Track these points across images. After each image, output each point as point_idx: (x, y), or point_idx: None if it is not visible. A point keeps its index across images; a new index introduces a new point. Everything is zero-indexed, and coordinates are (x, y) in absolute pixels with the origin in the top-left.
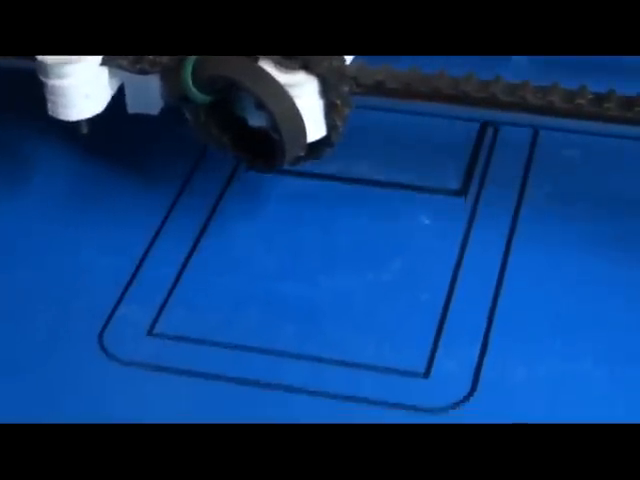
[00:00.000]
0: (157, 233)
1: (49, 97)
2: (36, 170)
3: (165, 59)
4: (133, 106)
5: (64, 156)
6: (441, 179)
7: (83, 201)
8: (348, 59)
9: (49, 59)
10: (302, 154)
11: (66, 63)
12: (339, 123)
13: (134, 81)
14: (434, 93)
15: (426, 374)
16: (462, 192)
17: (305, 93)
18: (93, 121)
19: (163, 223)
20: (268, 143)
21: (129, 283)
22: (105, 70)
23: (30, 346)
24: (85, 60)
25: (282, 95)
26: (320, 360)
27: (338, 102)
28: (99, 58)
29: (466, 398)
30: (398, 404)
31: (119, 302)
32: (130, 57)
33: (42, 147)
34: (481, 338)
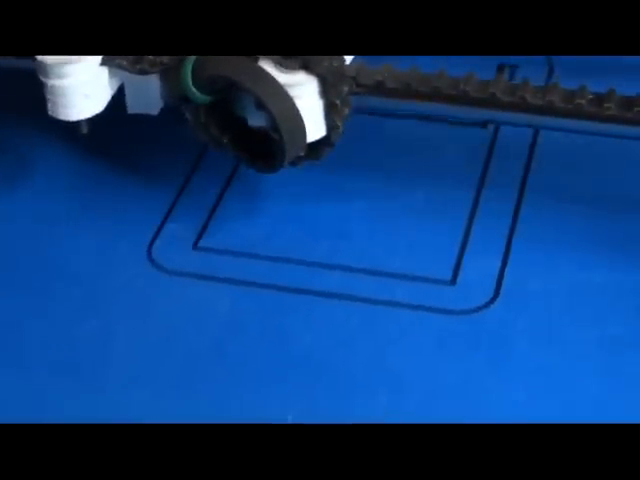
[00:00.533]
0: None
1: (49, 97)
2: (36, 169)
3: (165, 59)
4: (133, 106)
5: (64, 156)
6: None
7: (83, 200)
8: (348, 59)
9: (49, 59)
10: (302, 154)
11: (66, 63)
12: (339, 123)
13: (134, 81)
14: (434, 93)
15: (452, 281)
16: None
17: (305, 93)
18: (93, 121)
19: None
20: (268, 143)
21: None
22: (105, 70)
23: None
24: (85, 60)
25: (282, 95)
26: (352, 270)
27: (338, 102)
28: (99, 58)
29: (488, 304)
30: (425, 307)
31: None
32: (130, 57)
33: (42, 147)
34: (503, 250)
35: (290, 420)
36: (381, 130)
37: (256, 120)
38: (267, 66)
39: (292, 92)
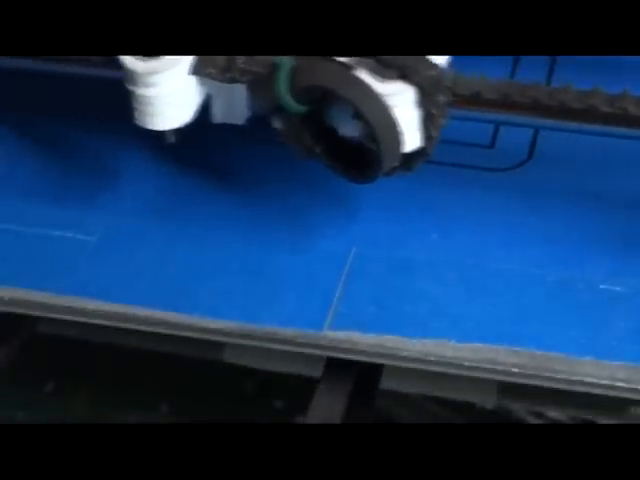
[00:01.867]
0: None
1: (136, 106)
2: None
3: (256, 68)
4: (219, 116)
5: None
6: None
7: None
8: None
9: (139, 67)
10: (396, 164)
11: (156, 72)
12: (434, 134)
13: (221, 90)
14: (533, 104)
15: (491, 145)
16: None
17: (402, 103)
18: (180, 131)
19: None
20: (360, 153)
21: None
22: (193, 79)
23: None
24: (175, 69)
25: (380, 105)
26: None
27: (435, 112)
28: (188, 67)
29: (524, 162)
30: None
31: None
32: (220, 66)
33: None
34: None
35: None
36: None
37: (348, 130)
38: (364, 75)
39: (389, 101)
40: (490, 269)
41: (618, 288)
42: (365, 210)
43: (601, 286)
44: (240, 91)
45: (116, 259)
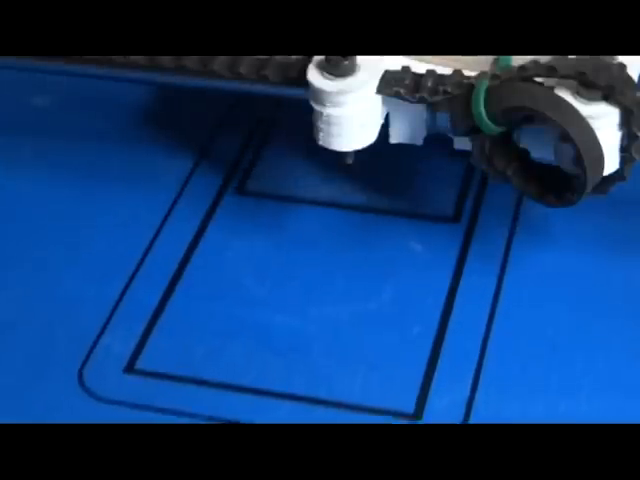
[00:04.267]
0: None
1: (322, 126)
2: None
3: (447, 88)
4: (397, 136)
5: None
6: None
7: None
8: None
9: (328, 87)
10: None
11: (346, 91)
12: (636, 156)
13: (400, 110)
14: None
15: (415, 415)
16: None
17: (606, 125)
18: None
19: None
20: (553, 176)
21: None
22: (379, 99)
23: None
24: (364, 88)
25: (587, 128)
26: (307, 400)
27: (639, 134)
28: (374, 86)
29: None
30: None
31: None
32: (408, 85)
33: None
34: (473, 373)
35: None
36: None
37: (541, 153)
38: (566, 96)
39: (593, 124)
40: None
41: None
42: None
43: None
44: (419, 111)
45: None
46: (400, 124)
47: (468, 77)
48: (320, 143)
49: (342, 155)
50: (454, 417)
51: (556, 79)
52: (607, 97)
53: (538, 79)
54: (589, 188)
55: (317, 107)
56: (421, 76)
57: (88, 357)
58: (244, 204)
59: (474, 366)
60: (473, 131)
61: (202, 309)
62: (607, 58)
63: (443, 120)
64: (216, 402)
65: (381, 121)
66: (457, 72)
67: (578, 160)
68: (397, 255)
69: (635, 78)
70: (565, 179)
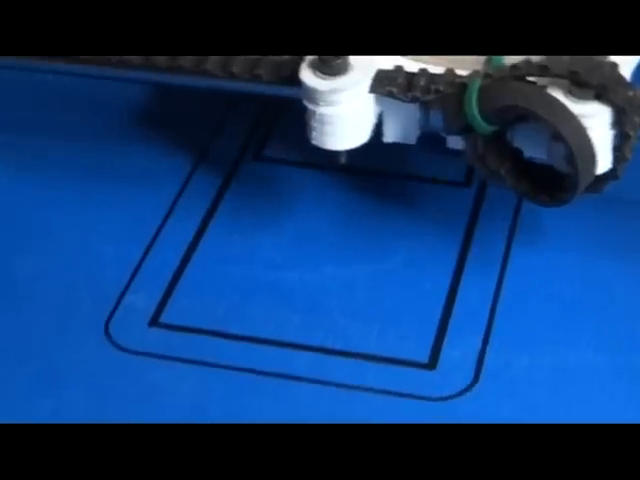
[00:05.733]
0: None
1: (315, 125)
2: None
3: (440, 87)
4: (390, 135)
5: None
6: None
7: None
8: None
9: (322, 86)
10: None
11: (340, 90)
12: (628, 156)
13: (393, 109)
14: None
15: (430, 364)
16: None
17: (598, 124)
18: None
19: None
20: (547, 176)
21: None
22: (372, 98)
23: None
24: (358, 87)
25: (579, 127)
26: (325, 351)
27: (632, 134)
28: (367, 85)
29: (469, 387)
30: (402, 393)
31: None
32: (401, 84)
33: None
34: (484, 328)
35: None
36: (354, 190)
37: (534, 152)
38: (558, 95)
39: (585, 123)
40: None
41: None
42: None
43: None
44: (413, 110)
45: None
46: (393, 123)
47: (461, 76)
48: (313, 142)
49: (335, 154)
50: (467, 367)
51: (549, 78)
52: (599, 96)
53: (531, 78)
54: (581, 187)
55: (310, 106)
56: (414, 75)
57: (113, 313)
58: None
59: (486, 320)
60: (466, 130)
61: (221, 270)
62: (600, 57)
63: (436, 119)
64: (237, 353)
65: (374, 120)
66: (450, 71)
67: (570, 159)
68: (411, 218)
69: (627, 77)
70: (558, 178)
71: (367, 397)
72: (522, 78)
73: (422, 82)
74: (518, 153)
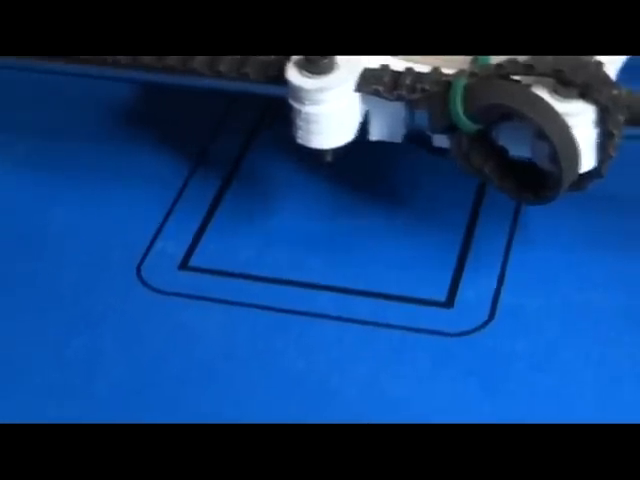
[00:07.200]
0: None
1: (301, 124)
2: None
3: (425, 86)
4: (376, 134)
5: None
6: None
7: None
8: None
9: (307, 84)
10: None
11: (325, 89)
12: (612, 154)
13: (379, 108)
14: None
15: (447, 303)
16: None
17: (582, 123)
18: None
19: (152, 241)
20: (531, 174)
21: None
22: (357, 96)
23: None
24: (343, 86)
25: (563, 125)
26: (346, 291)
27: (615, 132)
28: (353, 83)
29: (485, 324)
30: (421, 329)
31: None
32: (386, 82)
33: None
34: (499, 270)
35: None
36: (377, 151)
37: (518, 150)
38: (543, 94)
39: (570, 121)
40: None
41: None
42: None
43: None
44: (399, 109)
45: None
46: (379, 122)
47: (446, 75)
48: (299, 141)
49: (321, 153)
50: (483, 305)
51: (533, 77)
52: (584, 95)
53: (516, 77)
54: (565, 185)
55: (296, 105)
56: (400, 74)
57: (144, 258)
58: None
59: (500, 263)
60: (451, 129)
61: (245, 221)
62: (584, 56)
63: (422, 118)
64: (262, 293)
65: (360, 119)
66: (435, 70)
67: (554, 157)
68: (425, 173)
69: (612, 76)
70: (542, 176)
71: (388, 333)
72: (507, 77)
73: (408, 81)
74: (503, 151)
